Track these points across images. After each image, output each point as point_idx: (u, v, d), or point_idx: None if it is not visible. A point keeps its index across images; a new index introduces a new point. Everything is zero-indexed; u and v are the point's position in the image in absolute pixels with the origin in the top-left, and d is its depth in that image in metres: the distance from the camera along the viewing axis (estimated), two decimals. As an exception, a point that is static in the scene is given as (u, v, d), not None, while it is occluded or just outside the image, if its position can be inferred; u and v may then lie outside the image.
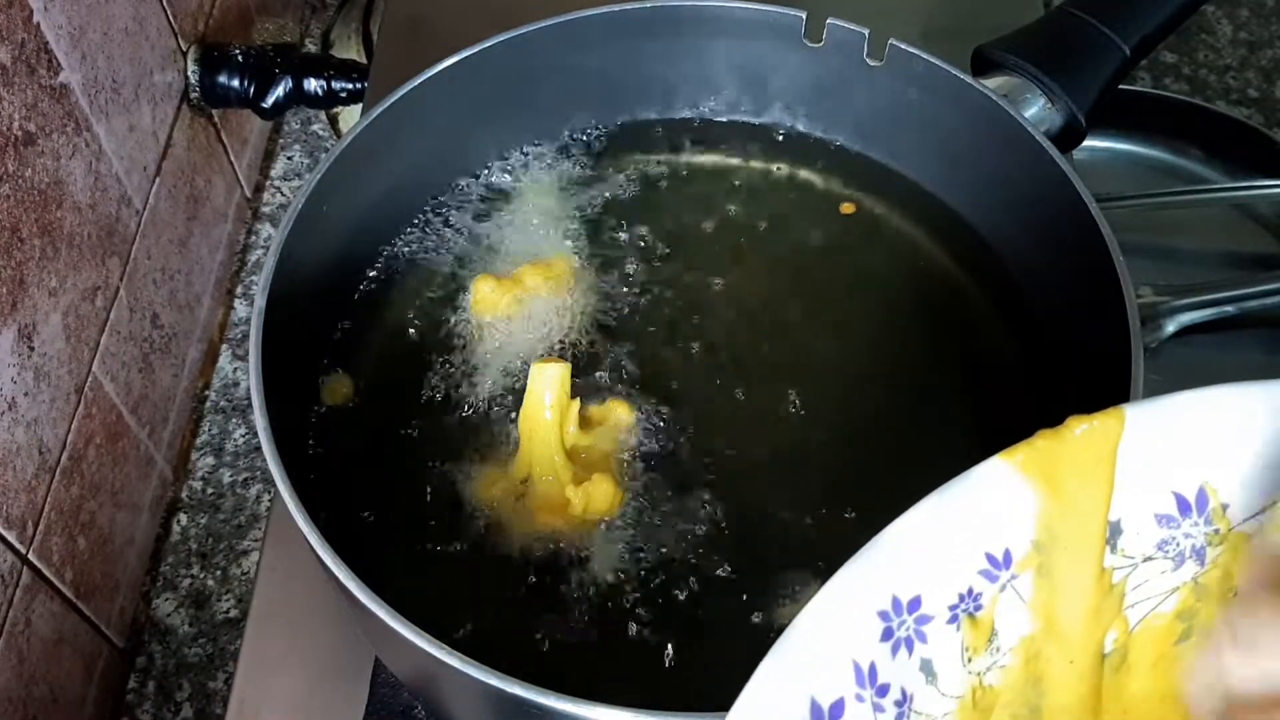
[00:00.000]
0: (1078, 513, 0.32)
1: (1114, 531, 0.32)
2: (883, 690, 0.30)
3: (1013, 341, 0.54)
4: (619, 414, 0.50)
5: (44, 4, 0.57)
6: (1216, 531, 0.33)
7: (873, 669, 0.30)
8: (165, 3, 0.72)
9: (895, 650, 0.30)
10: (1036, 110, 0.55)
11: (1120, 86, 0.58)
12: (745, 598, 0.46)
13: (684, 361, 0.53)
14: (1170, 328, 0.74)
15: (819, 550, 0.48)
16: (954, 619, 0.31)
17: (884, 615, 0.30)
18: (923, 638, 0.31)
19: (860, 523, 0.48)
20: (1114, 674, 0.34)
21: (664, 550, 0.47)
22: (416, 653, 0.38)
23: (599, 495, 0.48)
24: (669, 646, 0.45)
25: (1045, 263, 0.53)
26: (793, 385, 0.53)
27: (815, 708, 0.29)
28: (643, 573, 0.47)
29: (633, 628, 0.46)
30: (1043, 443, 0.32)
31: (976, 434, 0.51)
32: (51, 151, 0.58)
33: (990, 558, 0.32)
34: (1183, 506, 0.32)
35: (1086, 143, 0.58)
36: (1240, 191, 0.82)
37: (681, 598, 0.46)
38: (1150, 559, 0.33)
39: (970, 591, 0.31)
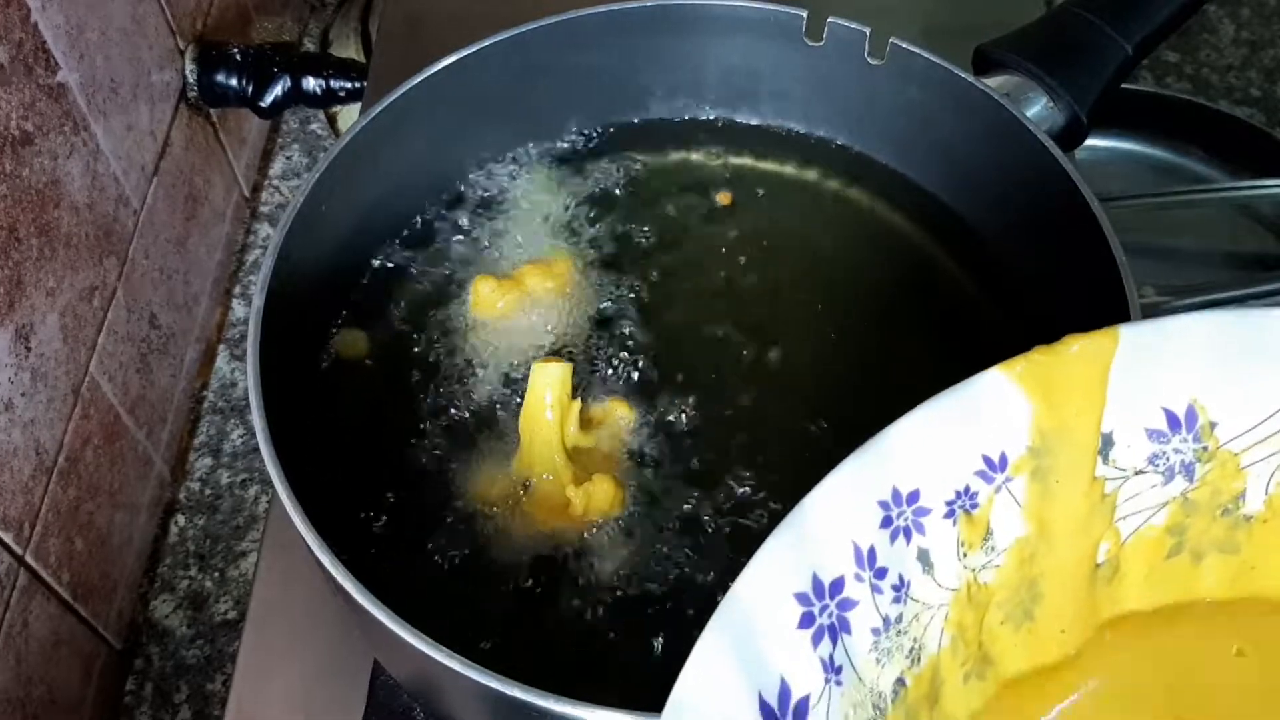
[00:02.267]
0: (1070, 422, 0.33)
1: (1106, 443, 0.34)
2: (881, 573, 0.32)
3: (1014, 340, 0.54)
4: (620, 413, 0.50)
5: (42, 3, 0.57)
6: (1205, 449, 0.34)
7: (872, 552, 0.31)
8: (163, 2, 0.71)
9: (894, 538, 0.32)
10: (1038, 109, 0.55)
11: (1122, 85, 0.58)
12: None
13: (686, 360, 0.53)
14: (1172, 328, 0.74)
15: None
16: (951, 514, 0.33)
17: (884, 505, 0.32)
18: (920, 529, 0.32)
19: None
20: (1107, 585, 0.35)
21: (666, 550, 0.47)
22: (415, 655, 0.38)
23: (600, 495, 0.47)
24: (671, 647, 0.45)
25: (1047, 262, 0.53)
26: (797, 385, 0.52)
27: (817, 582, 0.31)
28: (644, 572, 0.47)
29: (635, 628, 0.46)
30: (1039, 356, 0.34)
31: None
32: (49, 151, 0.58)
33: (987, 459, 0.33)
34: (1172, 422, 0.34)
35: (1088, 142, 0.58)
36: (1242, 191, 0.81)
37: (684, 597, 0.46)
38: (1141, 472, 0.34)
39: (967, 490, 0.33)
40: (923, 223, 0.58)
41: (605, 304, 0.55)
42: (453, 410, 0.51)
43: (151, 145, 0.70)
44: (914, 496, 0.32)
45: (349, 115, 0.86)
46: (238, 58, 0.77)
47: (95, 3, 0.63)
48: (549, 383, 0.48)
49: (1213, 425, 0.34)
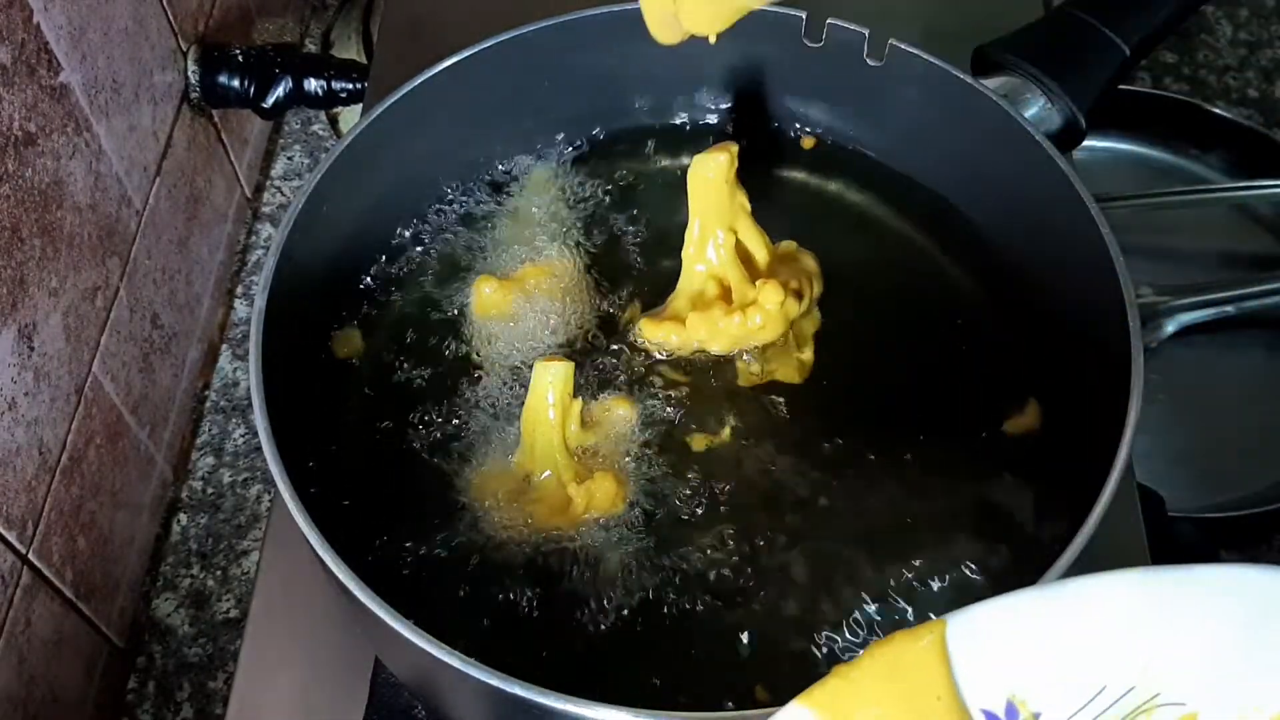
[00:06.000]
0: None
1: None
2: None
3: (1013, 341, 0.54)
4: (621, 412, 0.51)
5: (44, 4, 0.57)
6: None
7: None
8: (165, 3, 0.72)
9: None
10: (1036, 110, 0.55)
11: (1120, 86, 0.58)
12: (746, 597, 0.46)
13: (686, 358, 0.53)
14: (1170, 328, 0.74)
15: (821, 547, 0.48)
16: None
17: None
18: None
19: (862, 527, 0.49)
20: None
21: (666, 548, 0.47)
22: (416, 653, 0.38)
23: (601, 493, 0.48)
24: (671, 644, 0.45)
25: (1045, 262, 0.53)
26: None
27: None
28: (644, 571, 0.47)
29: (634, 626, 0.46)
30: (837, 682, 0.31)
31: (977, 434, 0.51)
32: (51, 152, 0.58)
33: None
34: None
35: (1086, 143, 0.58)
36: (1240, 191, 0.82)
37: (683, 596, 0.46)
38: None
39: None
40: (920, 222, 0.58)
41: (607, 303, 0.55)
42: (454, 409, 0.52)
43: (154, 146, 0.71)
44: None
45: (350, 116, 0.86)
46: (239, 59, 0.77)
47: (97, 4, 0.63)
48: (551, 381, 0.48)
49: (1036, 717, 0.32)
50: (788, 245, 0.55)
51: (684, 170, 0.61)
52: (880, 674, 0.31)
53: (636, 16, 0.58)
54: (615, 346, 0.53)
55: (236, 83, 0.76)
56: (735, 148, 0.51)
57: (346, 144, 0.51)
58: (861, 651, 0.32)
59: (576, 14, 0.56)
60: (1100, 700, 0.32)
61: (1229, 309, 0.75)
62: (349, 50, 0.90)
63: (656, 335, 0.52)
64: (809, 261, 0.55)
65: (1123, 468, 0.42)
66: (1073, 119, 0.55)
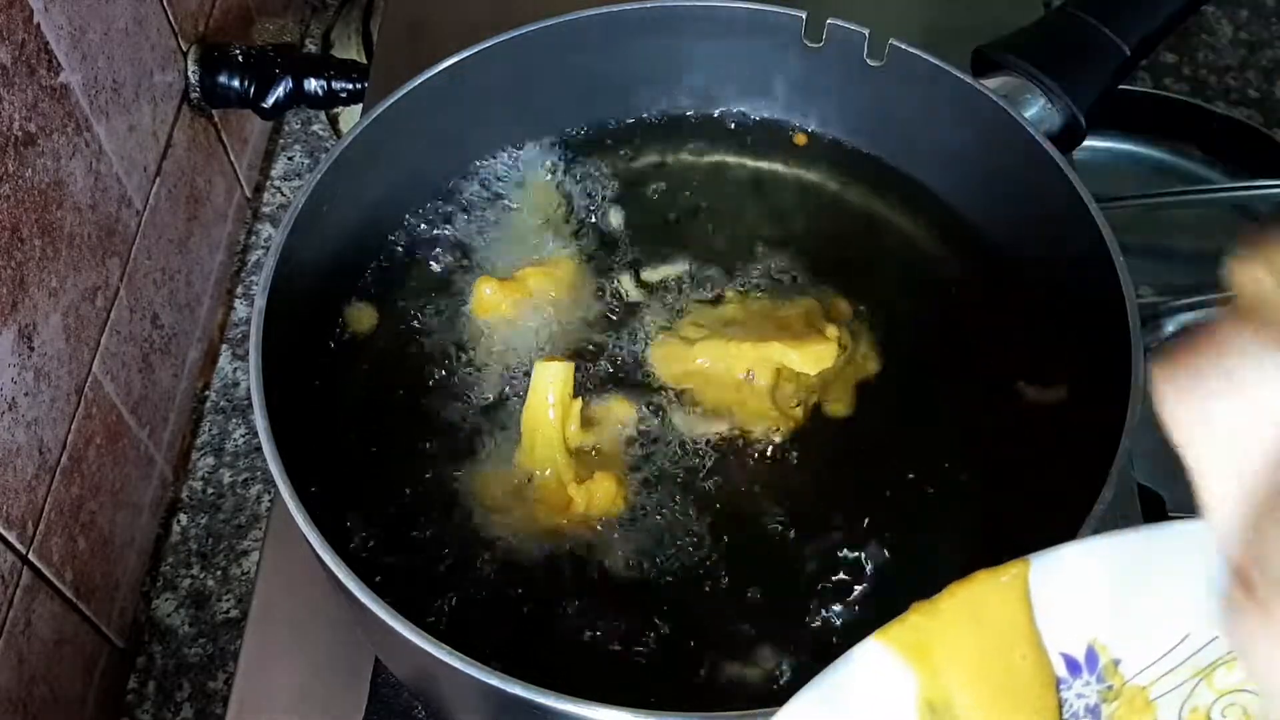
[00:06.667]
0: (958, 692, 0.31)
1: None
2: None
3: (1012, 340, 0.54)
4: (621, 412, 0.50)
5: (44, 4, 0.57)
6: (1110, 688, 0.32)
7: None
8: (165, 3, 0.72)
9: None
10: (1036, 110, 0.55)
11: (1120, 87, 0.58)
12: (746, 595, 0.46)
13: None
14: (1170, 328, 0.74)
15: (820, 547, 0.48)
16: None
17: None
18: None
19: (861, 520, 0.49)
20: None
21: (666, 548, 0.47)
22: (416, 652, 0.38)
23: (601, 493, 0.48)
24: (670, 645, 0.45)
25: (1045, 263, 0.53)
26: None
27: None
28: (644, 571, 0.47)
29: (634, 626, 0.46)
30: (917, 618, 0.31)
31: (976, 432, 0.51)
32: (52, 152, 0.58)
33: None
34: (1073, 667, 0.31)
35: (1086, 143, 0.58)
36: (1240, 192, 0.82)
37: (683, 596, 0.46)
38: None
39: None
40: (922, 222, 0.58)
41: (607, 304, 0.55)
42: (454, 410, 0.52)
43: (154, 146, 0.71)
44: None
45: (350, 116, 0.86)
46: (240, 59, 0.77)
47: (97, 4, 0.63)
48: (551, 381, 0.48)
49: (1116, 663, 0.31)
50: (805, 306, 0.53)
51: (685, 168, 0.61)
52: (960, 613, 0.31)
53: (635, 17, 0.58)
54: (616, 347, 0.53)
55: (236, 83, 0.77)
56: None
57: (346, 144, 0.51)
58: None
59: (576, 14, 0.56)
60: (1181, 649, 0.31)
61: (1229, 309, 0.75)
62: (349, 50, 0.90)
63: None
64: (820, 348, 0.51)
65: (1122, 468, 0.42)
66: (1073, 119, 0.55)
